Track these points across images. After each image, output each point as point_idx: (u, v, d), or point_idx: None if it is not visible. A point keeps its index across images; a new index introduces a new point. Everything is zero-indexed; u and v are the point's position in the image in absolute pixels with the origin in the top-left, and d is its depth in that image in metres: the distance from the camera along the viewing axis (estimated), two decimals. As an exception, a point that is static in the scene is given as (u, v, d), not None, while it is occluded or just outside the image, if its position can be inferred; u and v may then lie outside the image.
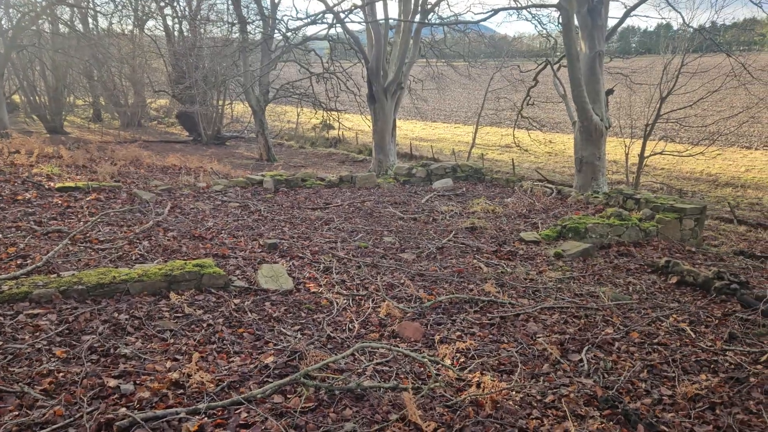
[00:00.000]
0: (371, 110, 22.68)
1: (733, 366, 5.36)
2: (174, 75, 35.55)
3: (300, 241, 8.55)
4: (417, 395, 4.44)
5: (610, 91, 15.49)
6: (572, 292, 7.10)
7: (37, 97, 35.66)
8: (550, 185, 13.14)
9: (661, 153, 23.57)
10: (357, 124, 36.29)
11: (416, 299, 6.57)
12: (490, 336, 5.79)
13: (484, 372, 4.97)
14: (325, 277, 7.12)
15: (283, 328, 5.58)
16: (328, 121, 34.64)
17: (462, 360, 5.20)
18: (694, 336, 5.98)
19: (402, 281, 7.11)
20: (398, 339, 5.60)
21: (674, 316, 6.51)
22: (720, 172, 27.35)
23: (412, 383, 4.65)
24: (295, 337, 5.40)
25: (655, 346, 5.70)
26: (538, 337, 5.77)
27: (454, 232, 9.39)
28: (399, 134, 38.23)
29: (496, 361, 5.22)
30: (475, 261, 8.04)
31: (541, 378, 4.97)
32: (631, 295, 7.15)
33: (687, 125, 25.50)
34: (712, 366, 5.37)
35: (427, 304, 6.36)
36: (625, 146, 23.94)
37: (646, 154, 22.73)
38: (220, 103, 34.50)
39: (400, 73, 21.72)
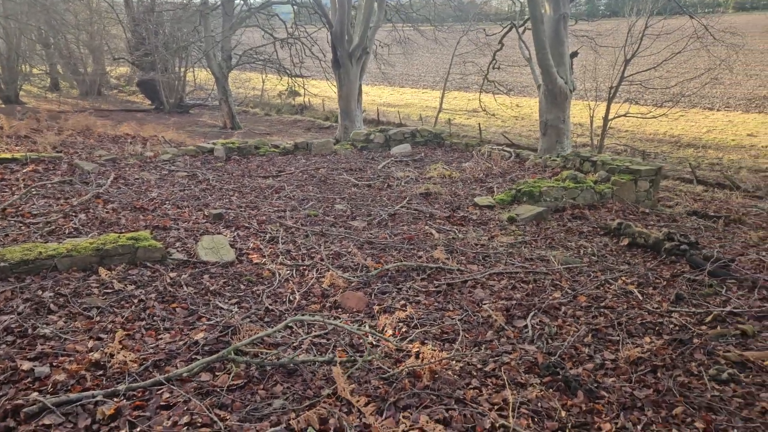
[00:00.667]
0: (336, 76, 22.17)
1: (677, 328, 5.32)
2: (133, 41, 34.09)
3: (247, 211, 8.25)
4: (352, 368, 4.27)
5: (574, 54, 15.34)
6: (523, 256, 6.99)
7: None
8: (508, 149, 13.00)
9: (625, 115, 23.61)
10: (323, 91, 35.52)
11: (363, 268, 6.37)
12: (436, 304, 5.64)
13: (425, 342, 4.83)
14: (270, 248, 6.87)
15: (220, 302, 5.34)
16: (293, 88, 33.85)
17: (404, 330, 5.04)
18: (641, 298, 5.93)
19: (350, 250, 6.90)
20: (340, 310, 5.41)
21: (623, 278, 6.45)
22: (682, 134, 27.63)
23: (350, 356, 4.48)
24: (231, 312, 5.16)
25: (601, 310, 5.63)
26: (485, 304, 5.64)
27: (408, 199, 9.18)
28: (366, 100, 37.65)
29: (440, 330, 5.08)
30: (426, 227, 7.87)
31: (484, 346, 4.84)
32: (581, 258, 7.07)
33: (651, 87, 25.60)
34: (657, 328, 5.32)
35: (373, 273, 6.17)
36: (590, 109, 23.93)
37: (611, 116, 22.74)
38: (182, 70, 33.37)
39: (365, 38, 21.20)
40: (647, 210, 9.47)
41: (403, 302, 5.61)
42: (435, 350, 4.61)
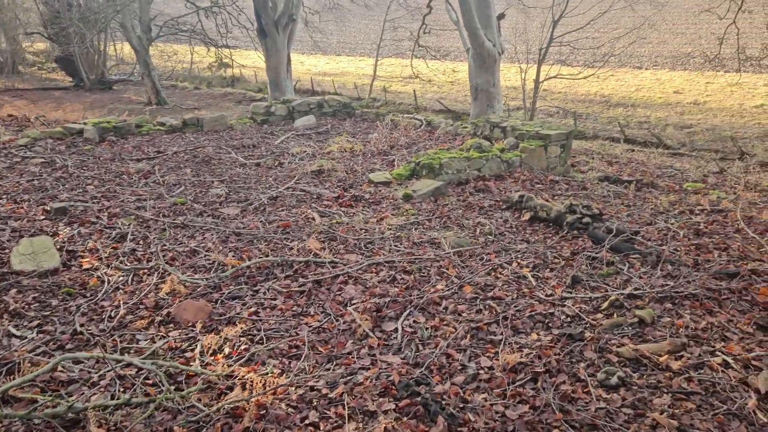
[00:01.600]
0: (263, 45, 21.11)
1: (569, 319, 4.64)
2: (48, 14, 31.27)
3: (102, 202, 7.10)
4: (151, 410, 3.34)
5: (501, 16, 14.75)
6: (411, 240, 6.19)
7: None
8: (419, 118, 12.17)
9: (555, 77, 23.17)
10: (255, 62, 33.75)
11: (219, 267, 5.42)
12: (295, 308, 4.76)
13: (266, 362, 3.95)
14: (114, 247, 5.80)
15: (14, 327, 4.28)
16: (223, 59, 31.90)
17: (244, 348, 4.15)
18: (534, 284, 5.23)
19: (210, 244, 5.92)
20: (173, 324, 4.46)
21: (518, 260, 5.74)
22: (612, 93, 27.54)
23: (166, 390, 3.55)
24: (24, 338, 4.13)
25: (488, 302, 4.88)
26: (354, 303, 4.80)
27: (297, 178, 8.23)
28: (301, 69, 36.04)
29: (289, 344, 4.21)
30: (309, 211, 6.95)
31: (338, 362, 4.01)
32: (477, 238, 6.33)
33: (580, 48, 25.23)
34: (547, 321, 4.62)
35: (227, 273, 5.23)
36: (522, 72, 23.41)
37: (541, 78, 22.29)
38: (101, 44, 30.85)
39: (290, 4, 19.95)
40: (557, 178, 8.84)
41: (255, 309, 4.71)
42: (273, 374, 3.74)
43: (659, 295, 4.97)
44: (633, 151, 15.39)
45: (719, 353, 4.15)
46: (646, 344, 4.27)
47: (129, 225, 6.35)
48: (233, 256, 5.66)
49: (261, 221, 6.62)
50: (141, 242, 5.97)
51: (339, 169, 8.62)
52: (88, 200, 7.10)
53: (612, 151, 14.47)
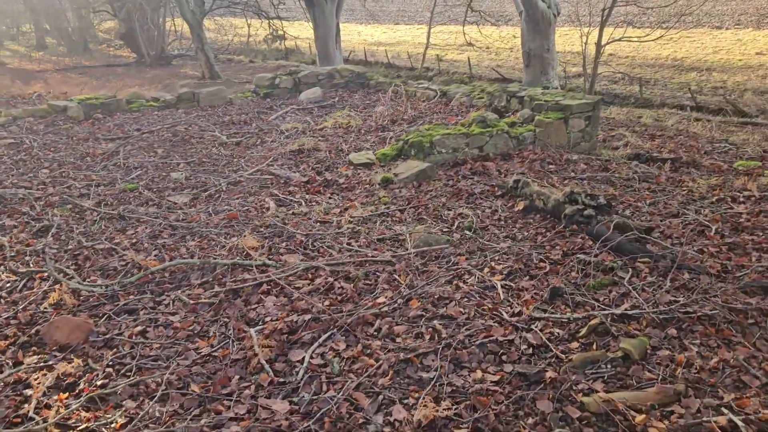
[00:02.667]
0: (311, 15, 20.31)
1: (530, 350, 3.57)
2: None
3: (48, 189, 6.46)
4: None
5: None
6: (370, 237, 5.20)
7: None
8: (434, 88, 10.96)
9: (620, 39, 21.21)
10: (310, 33, 33.17)
11: (130, 271, 4.62)
12: (194, 326, 3.91)
13: (122, 404, 3.12)
14: (28, 243, 5.11)
15: None
16: (279, 31, 31.40)
17: (101, 382, 3.33)
18: (502, 298, 4.16)
19: (135, 240, 5.14)
20: (36, 347, 3.69)
21: (493, 264, 4.66)
22: (686, 56, 25.09)
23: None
24: None
25: (434, 323, 3.86)
26: (266, 322, 3.90)
27: (272, 158, 7.34)
28: (358, 39, 35.10)
29: (171, 378, 3.36)
30: (268, 199, 6.06)
31: (210, 406, 3.13)
32: (452, 233, 5.27)
33: (650, 6, 22.95)
34: (501, 352, 3.57)
35: (132, 279, 4.42)
36: (582, 35, 21.57)
37: (604, 41, 20.42)
38: (161, 19, 30.98)
39: None
40: (575, 156, 7.56)
41: (143, 327, 3.88)
42: (116, 425, 2.91)
43: (662, 316, 3.80)
44: (699, 120, 13.62)
45: (725, 409, 3.01)
46: (624, 392, 3.16)
47: (60, 216, 5.66)
48: (155, 257, 4.86)
49: (208, 211, 5.78)
50: (62, 237, 5.26)
51: (322, 148, 7.67)
52: (33, 186, 6.48)
53: (665, 122, 12.80)
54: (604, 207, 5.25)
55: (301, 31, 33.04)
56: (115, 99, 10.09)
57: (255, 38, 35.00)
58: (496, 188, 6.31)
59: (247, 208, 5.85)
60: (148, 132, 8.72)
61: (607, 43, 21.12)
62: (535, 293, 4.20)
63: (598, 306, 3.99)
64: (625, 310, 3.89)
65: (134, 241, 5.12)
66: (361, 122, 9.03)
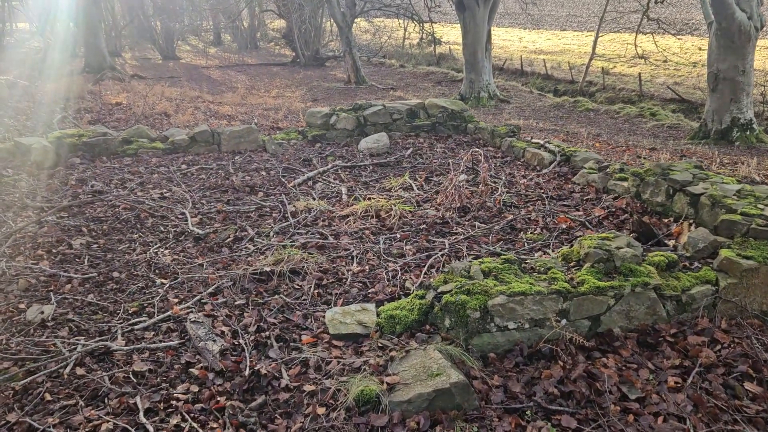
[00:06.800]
0: (460, 20, 19.02)
1: None
2: None
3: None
4: None
5: None
6: None
7: (157, 24, 34.97)
8: (552, 148, 7.24)
9: None
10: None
11: None
12: None
13: None
14: None
15: None
16: (432, 35, 29.09)
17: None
18: None
19: None
20: None
21: None
22: None
23: None
24: None
25: None
26: None
27: (214, 288, 4.44)
28: (518, 46, 31.42)
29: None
30: None
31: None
32: None
33: None
34: None
35: None
36: None
37: None
38: (317, 19, 30.74)
39: None
40: None
41: None
42: None
43: None
44: None
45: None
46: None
47: None
48: None
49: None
50: None
51: (311, 270, 4.60)
52: None
53: None
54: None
55: (456, 36, 30.49)
56: (104, 138, 7.94)
57: (410, 41, 33.06)
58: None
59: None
60: (100, 202, 6.20)
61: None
62: None
63: None
64: None
65: None
66: (415, 206, 5.78)
